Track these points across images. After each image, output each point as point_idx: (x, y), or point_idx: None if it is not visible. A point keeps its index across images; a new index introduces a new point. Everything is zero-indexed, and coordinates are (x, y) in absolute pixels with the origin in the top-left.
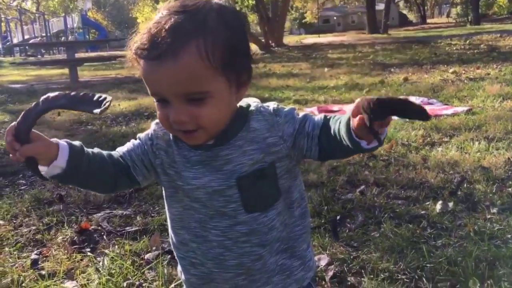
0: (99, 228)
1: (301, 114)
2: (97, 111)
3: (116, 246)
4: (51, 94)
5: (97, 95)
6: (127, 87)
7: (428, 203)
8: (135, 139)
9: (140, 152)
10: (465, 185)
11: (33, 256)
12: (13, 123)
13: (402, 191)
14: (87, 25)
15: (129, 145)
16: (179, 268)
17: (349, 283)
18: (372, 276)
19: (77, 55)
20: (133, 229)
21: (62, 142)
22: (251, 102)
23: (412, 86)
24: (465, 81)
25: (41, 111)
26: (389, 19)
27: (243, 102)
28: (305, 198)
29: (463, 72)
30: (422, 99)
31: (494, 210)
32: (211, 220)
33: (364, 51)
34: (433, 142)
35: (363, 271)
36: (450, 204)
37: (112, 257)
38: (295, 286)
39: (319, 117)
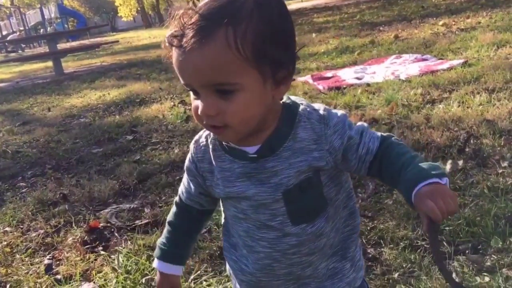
0: (109, 224)
1: (355, 127)
2: None
3: (129, 242)
4: None
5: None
6: (114, 75)
7: (437, 163)
8: (184, 169)
9: (197, 189)
10: (472, 141)
11: (46, 261)
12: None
13: None
14: (64, 14)
15: (185, 187)
16: (227, 266)
17: (370, 255)
18: (392, 245)
19: (59, 46)
20: (143, 222)
21: (178, 270)
22: (298, 102)
23: (404, 43)
24: (457, 32)
25: None
26: None
27: (289, 101)
28: (353, 197)
29: (453, 23)
30: (416, 56)
31: (505, 164)
32: (258, 231)
33: (350, 11)
34: (433, 100)
35: (381, 241)
36: (460, 163)
37: (127, 254)
38: None
39: (376, 138)
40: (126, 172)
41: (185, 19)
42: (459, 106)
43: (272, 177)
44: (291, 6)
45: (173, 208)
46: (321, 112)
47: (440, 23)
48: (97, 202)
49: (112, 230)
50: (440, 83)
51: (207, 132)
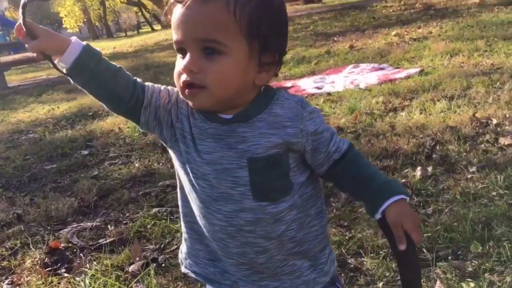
0: (70, 245)
1: (331, 128)
2: None
3: (94, 262)
4: None
5: None
6: (63, 87)
7: (406, 170)
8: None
9: (161, 104)
10: (438, 147)
11: (5, 286)
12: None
13: (378, 162)
14: (6, 26)
15: (158, 88)
16: (182, 248)
17: (352, 265)
18: (372, 254)
19: (1, 59)
20: (107, 241)
21: (76, 45)
22: (279, 88)
23: (359, 53)
24: (409, 42)
25: (24, 5)
26: None
27: (269, 87)
28: (321, 197)
29: (406, 33)
30: (373, 65)
31: (473, 169)
32: (215, 203)
33: (302, 22)
34: (395, 108)
35: (361, 250)
36: (429, 169)
37: (93, 275)
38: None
39: (346, 141)
40: (84, 189)
41: None
42: (421, 113)
43: (240, 143)
44: None
45: None
46: (299, 97)
47: (393, 33)
48: (55, 221)
49: (75, 250)
50: (400, 91)
51: None
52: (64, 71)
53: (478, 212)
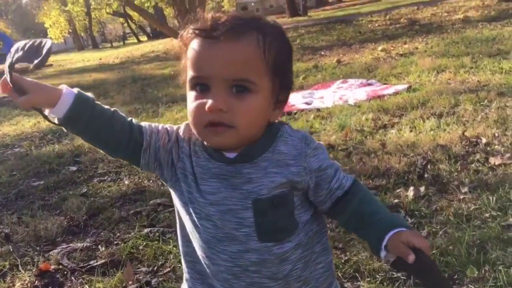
0: (60, 267)
1: (332, 162)
2: (36, 62)
3: (86, 286)
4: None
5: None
6: None
7: (399, 190)
8: (158, 124)
9: (161, 145)
10: (429, 167)
11: None
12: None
13: (371, 181)
14: None
15: (156, 128)
16: (184, 278)
17: None
18: (369, 279)
19: None
20: (99, 263)
21: (67, 95)
22: (282, 123)
23: (347, 68)
24: (396, 57)
25: (11, 65)
26: (307, 1)
27: (272, 122)
28: (326, 233)
29: (392, 48)
30: (361, 81)
31: (465, 190)
32: (220, 243)
33: (289, 35)
34: (385, 125)
35: (357, 274)
36: (422, 189)
37: None
38: None
39: (349, 177)
40: (73, 207)
41: (218, 17)
42: (411, 131)
43: (246, 183)
44: None
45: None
46: (303, 133)
47: (379, 48)
48: (44, 241)
49: (65, 272)
50: (389, 108)
51: None
52: (56, 121)
53: (473, 235)
